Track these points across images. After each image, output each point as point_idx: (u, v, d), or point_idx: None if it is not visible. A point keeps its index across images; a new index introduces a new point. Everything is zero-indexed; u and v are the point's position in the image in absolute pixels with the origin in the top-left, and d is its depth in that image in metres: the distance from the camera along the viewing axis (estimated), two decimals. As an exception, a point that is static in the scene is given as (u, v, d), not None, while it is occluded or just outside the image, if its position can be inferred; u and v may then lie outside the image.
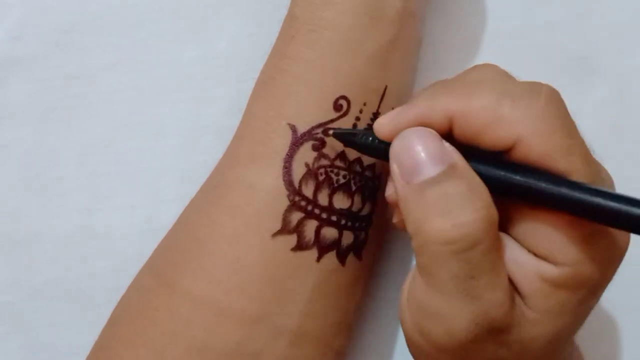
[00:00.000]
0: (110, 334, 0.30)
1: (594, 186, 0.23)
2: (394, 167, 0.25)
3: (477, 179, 0.24)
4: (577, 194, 0.23)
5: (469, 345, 0.24)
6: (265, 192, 0.29)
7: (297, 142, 0.29)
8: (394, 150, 0.25)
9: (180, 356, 0.28)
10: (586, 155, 0.24)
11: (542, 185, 0.23)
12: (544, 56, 0.36)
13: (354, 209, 0.29)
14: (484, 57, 0.36)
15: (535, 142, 0.24)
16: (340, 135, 0.29)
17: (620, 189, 0.35)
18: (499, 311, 0.24)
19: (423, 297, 0.25)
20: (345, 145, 0.29)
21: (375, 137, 0.27)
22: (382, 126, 0.26)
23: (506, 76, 0.26)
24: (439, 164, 0.24)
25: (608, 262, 0.24)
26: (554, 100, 0.25)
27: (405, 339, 0.27)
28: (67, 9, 0.37)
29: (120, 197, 0.36)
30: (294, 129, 0.29)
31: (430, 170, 0.24)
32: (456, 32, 0.36)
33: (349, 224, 0.29)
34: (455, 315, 0.24)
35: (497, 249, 0.24)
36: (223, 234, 0.29)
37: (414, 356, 0.27)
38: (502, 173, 0.24)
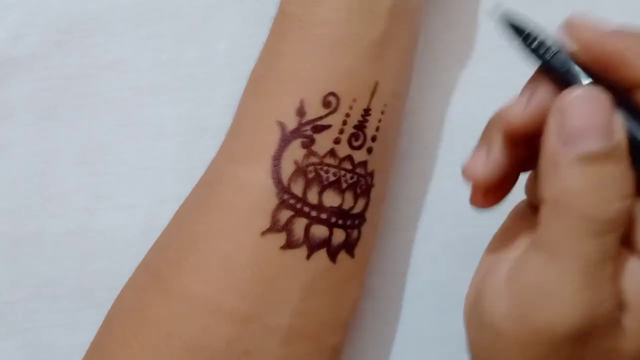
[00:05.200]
0: (105, 333, 0.30)
1: None
2: (553, 120, 0.23)
3: (628, 162, 0.23)
4: None
5: (575, 335, 0.23)
6: (255, 190, 0.29)
7: (285, 140, 0.29)
8: (564, 104, 0.23)
9: (173, 355, 0.28)
10: None
11: None
12: (544, 56, 0.36)
13: (345, 206, 0.29)
14: (484, 57, 0.36)
15: None
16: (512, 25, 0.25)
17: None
18: (612, 304, 0.23)
19: (538, 276, 0.23)
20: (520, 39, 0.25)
21: (561, 50, 0.24)
22: (583, 29, 0.24)
23: None
24: (605, 138, 0.22)
25: None
26: None
27: (478, 334, 0.25)
28: (67, 9, 0.37)
29: (120, 197, 0.36)
30: (283, 126, 0.29)
31: (595, 143, 0.22)
32: (456, 32, 0.36)
33: (340, 222, 0.29)
34: (573, 297, 0.22)
35: (621, 242, 0.23)
36: (214, 231, 0.29)
37: (493, 354, 0.25)
38: None
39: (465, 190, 0.35)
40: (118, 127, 0.36)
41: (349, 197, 0.29)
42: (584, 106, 0.23)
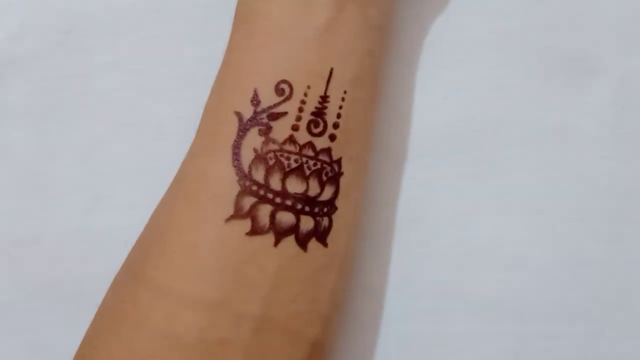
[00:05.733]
0: (89, 331, 0.31)
1: None
2: None
3: None
4: None
5: None
6: (217, 179, 0.29)
7: (243, 129, 0.29)
8: None
9: (146, 345, 0.28)
10: None
11: None
12: (543, 56, 0.36)
13: (311, 193, 0.29)
14: (484, 57, 0.36)
15: None
16: None
17: (621, 189, 0.35)
18: None
19: None
20: None
21: None
22: None
23: None
24: None
25: None
26: None
27: None
28: (67, 9, 0.37)
29: (120, 197, 0.36)
30: (240, 116, 0.29)
31: None
32: (456, 32, 0.36)
33: (307, 208, 0.29)
34: None
35: None
36: (179, 222, 0.29)
37: None
38: None
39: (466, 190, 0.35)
40: (118, 127, 0.36)
41: (314, 184, 0.30)
42: None
